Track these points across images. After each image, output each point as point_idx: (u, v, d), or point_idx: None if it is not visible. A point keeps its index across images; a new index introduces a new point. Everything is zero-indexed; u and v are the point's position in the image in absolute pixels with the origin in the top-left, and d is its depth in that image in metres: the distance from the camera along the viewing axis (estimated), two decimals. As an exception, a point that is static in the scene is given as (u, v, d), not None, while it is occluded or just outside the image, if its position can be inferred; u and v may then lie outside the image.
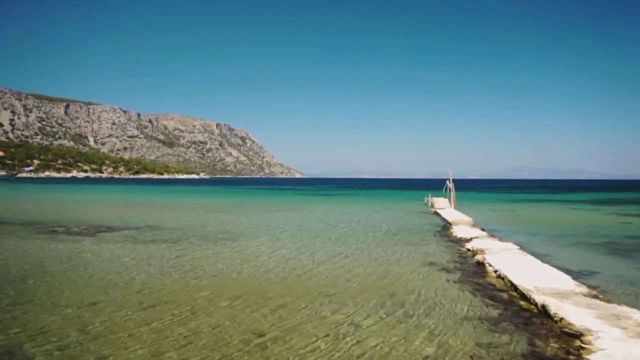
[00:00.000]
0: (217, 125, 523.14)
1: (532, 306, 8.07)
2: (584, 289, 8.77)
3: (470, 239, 15.99)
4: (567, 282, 9.29)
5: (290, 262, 12.27)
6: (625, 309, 7.52)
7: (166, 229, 19.10)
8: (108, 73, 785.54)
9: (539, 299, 8.01)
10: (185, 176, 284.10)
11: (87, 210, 29.55)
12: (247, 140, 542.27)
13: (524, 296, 8.54)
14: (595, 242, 16.89)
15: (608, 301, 8.04)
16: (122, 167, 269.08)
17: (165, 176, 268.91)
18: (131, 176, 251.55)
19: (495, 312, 7.84)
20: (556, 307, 7.48)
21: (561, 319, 7.06)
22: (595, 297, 8.29)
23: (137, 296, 8.67)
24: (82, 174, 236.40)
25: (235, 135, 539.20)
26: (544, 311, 7.64)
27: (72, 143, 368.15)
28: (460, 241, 16.00)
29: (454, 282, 10.05)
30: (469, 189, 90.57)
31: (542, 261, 11.61)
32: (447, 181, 36.75)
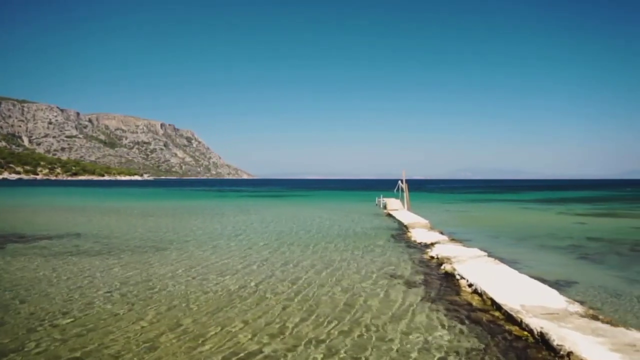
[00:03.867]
0: (162, 125, 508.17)
1: (526, 333, 6.57)
2: (578, 307, 7.39)
3: (432, 245, 14.59)
4: (555, 298, 7.90)
5: (227, 278, 10.36)
6: (637, 335, 6.14)
7: (91, 238, 16.70)
8: (44, 70, 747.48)
9: (534, 323, 6.52)
10: (127, 177, 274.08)
11: (2, 217, 26.32)
12: (193, 141, 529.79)
13: (511, 319, 7.04)
14: (560, 246, 15.91)
15: (612, 324, 6.66)
16: (59, 168, 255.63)
17: (107, 178, 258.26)
18: (69, 178, 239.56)
19: (480, 343, 6.28)
20: (558, 336, 5.99)
21: (569, 354, 5.58)
22: (595, 318, 6.90)
23: (26, 335, 6.54)
24: (14, 176, 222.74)
25: (181, 135, 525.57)
26: (542, 340, 6.14)
27: (4, 143, 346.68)
28: (421, 247, 14.57)
29: (423, 300, 8.46)
30: (418, 189, 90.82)
31: (518, 271, 10.28)
32: (400, 181, 35.68)
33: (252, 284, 9.69)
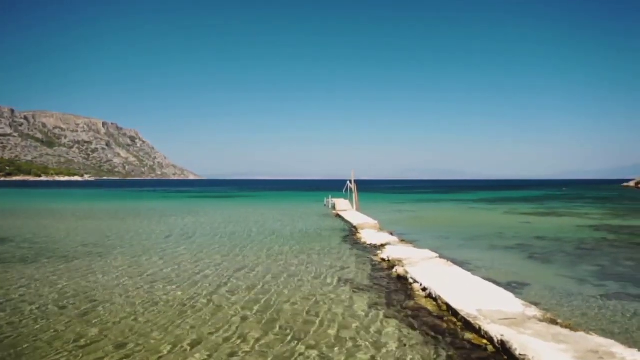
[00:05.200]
0: (104, 124, 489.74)
1: (485, 341, 6.17)
2: (535, 311, 7.08)
3: (382, 246, 14.20)
4: (511, 302, 7.59)
5: (177, 286, 9.51)
6: (599, 341, 5.85)
7: (23, 243, 15.35)
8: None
9: (493, 331, 6.12)
10: (67, 178, 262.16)
11: None
12: (137, 141, 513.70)
13: (469, 325, 6.63)
14: (509, 245, 15.94)
15: (571, 328, 6.37)
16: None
17: (44, 178, 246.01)
18: (2, 179, 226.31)
19: (438, 355, 5.82)
20: (520, 345, 5.60)
21: (533, 364, 5.20)
22: (554, 322, 6.60)
23: None
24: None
25: (124, 135, 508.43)
26: (504, 349, 5.74)
27: None
28: (371, 249, 14.15)
29: (376, 307, 7.96)
30: (366, 189, 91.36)
31: (471, 272, 9.98)
32: (348, 182, 35.39)
33: (206, 292, 8.90)
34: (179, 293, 8.86)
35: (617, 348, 5.59)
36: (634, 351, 5.50)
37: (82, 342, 6.18)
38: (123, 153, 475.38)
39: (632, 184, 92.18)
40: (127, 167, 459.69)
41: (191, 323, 7.03)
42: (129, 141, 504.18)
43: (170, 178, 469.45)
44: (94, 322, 7.05)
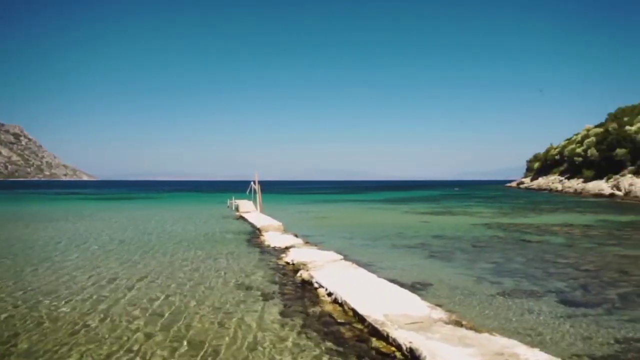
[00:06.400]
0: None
1: (393, 348, 5.92)
2: (441, 313, 7.00)
3: (287, 249, 13.78)
4: (417, 304, 7.47)
5: (68, 301, 8.34)
6: (502, 342, 5.83)
7: None
8: None
9: (401, 337, 5.89)
10: None
11: None
12: (21, 138, 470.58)
13: (377, 332, 6.36)
14: (410, 245, 16.22)
15: (476, 329, 6.33)
16: None
17: None
18: None
19: (347, 365, 5.47)
20: (429, 351, 5.40)
21: (442, 372, 5.00)
22: (459, 324, 6.53)
23: None
24: None
25: (7, 131, 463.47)
26: (412, 357, 5.51)
27: None
28: (275, 252, 13.67)
29: (279, 314, 7.50)
30: (270, 190, 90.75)
31: (377, 275, 9.84)
32: (252, 183, 34.66)
33: (102, 307, 7.88)
34: (69, 309, 7.77)
35: (520, 348, 5.59)
36: (536, 351, 5.52)
37: None
38: (5, 151, 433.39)
39: (514, 184, 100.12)
40: (9, 166, 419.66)
41: (84, 344, 6.11)
42: (12, 138, 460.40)
43: (61, 179, 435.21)
44: None
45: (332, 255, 12.15)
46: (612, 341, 6.61)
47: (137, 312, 7.62)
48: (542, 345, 6.25)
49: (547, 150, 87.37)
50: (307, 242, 15.20)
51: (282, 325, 6.95)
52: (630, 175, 49.51)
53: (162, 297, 8.57)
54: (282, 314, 7.55)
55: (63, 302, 8.20)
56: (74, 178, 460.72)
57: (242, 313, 7.59)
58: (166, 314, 7.51)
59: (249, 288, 9.34)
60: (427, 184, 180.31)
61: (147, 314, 7.51)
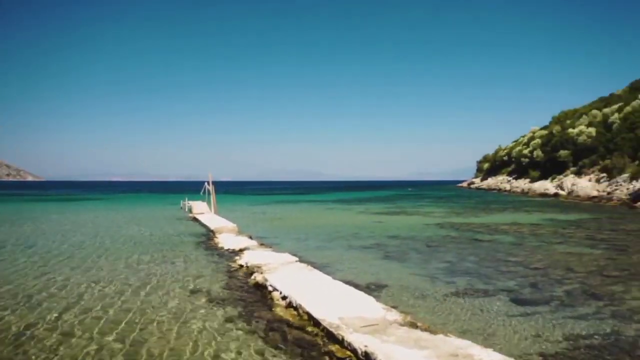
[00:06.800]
0: None
1: (349, 353, 5.82)
2: (396, 315, 6.96)
3: (241, 251, 13.50)
4: (372, 306, 7.41)
5: (13, 309, 7.78)
6: (457, 342, 5.83)
7: None
8: None
9: (357, 341, 5.79)
10: None
11: None
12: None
13: (332, 336, 6.24)
14: (365, 245, 16.24)
15: (431, 331, 6.32)
16: None
17: None
18: None
19: (301, 372, 5.33)
20: (384, 355, 5.33)
21: (398, 376, 4.93)
22: (414, 326, 6.51)
23: None
24: None
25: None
26: (367, 362, 5.44)
27: None
28: (229, 254, 13.37)
29: (231, 320, 7.28)
30: (226, 191, 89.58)
31: (332, 277, 9.74)
32: (206, 183, 33.99)
33: (51, 317, 7.38)
34: (16, 319, 7.25)
35: (474, 349, 5.60)
36: (490, 351, 5.55)
37: None
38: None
39: (465, 184, 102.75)
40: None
41: (31, 357, 5.69)
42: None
43: (3, 179, 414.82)
44: None
45: (287, 257, 11.98)
46: (560, 338, 6.75)
47: (89, 321, 7.21)
48: (495, 345, 6.31)
49: (496, 152, 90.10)
50: (262, 244, 14.96)
51: (234, 331, 6.74)
52: (572, 176, 51.66)
53: (118, 304, 8.18)
54: (234, 319, 7.33)
55: (8, 312, 7.66)
56: (18, 178, 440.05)
57: (192, 319, 7.31)
58: (123, 322, 7.14)
59: (200, 293, 9.05)
60: (381, 184, 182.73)
61: (100, 323, 7.11)
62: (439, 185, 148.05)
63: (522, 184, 65.45)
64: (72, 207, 41.61)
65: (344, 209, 38.65)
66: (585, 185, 45.88)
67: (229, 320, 7.29)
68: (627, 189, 37.25)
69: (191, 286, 9.62)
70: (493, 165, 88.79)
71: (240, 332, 6.70)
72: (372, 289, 9.63)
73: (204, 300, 8.49)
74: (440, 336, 6.09)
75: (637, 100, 48.18)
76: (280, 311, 7.73)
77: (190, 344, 6.24)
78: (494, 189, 74.71)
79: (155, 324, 7.09)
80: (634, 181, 37.22)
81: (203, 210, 29.52)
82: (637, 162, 39.12)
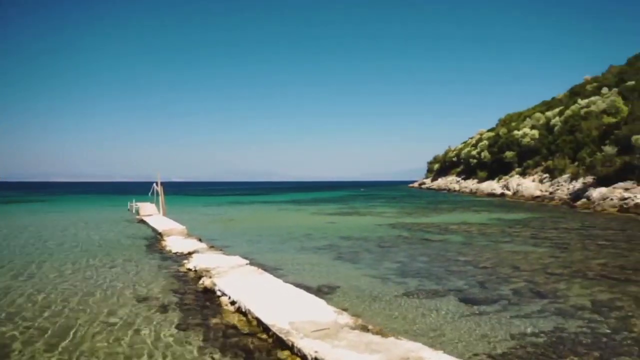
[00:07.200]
0: None
1: (299, 359, 5.67)
2: (347, 318, 6.87)
3: (189, 254, 13.12)
4: (324, 310, 7.30)
5: None
6: (408, 345, 5.80)
7: None
8: None
9: (307, 347, 5.66)
10: None
11: None
12: None
13: (282, 342, 6.08)
14: (317, 247, 16.14)
15: (382, 334, 6.26)
16: None
17: None
18: None
19: (249, 381, 5.13)
20: (335, 360, 5.22)
21: (348, 382, 4.83)
22: (365, 329, 6.44)
23: None
24: None
25: None
26: (318, 368, 5.31)
27: None
28: (177, 258, 12.97)
29: (177, 327, 7.00)
30: (177, 192, 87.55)
31: (283, 280, 9.57)
32: (154, 184, 33.02)
33: None
34: None
35: (425, 352, 5.58)
36: (440, 353, 5.54)
37: None
38: None
39: (416, 184, 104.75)
40: None
41: None
42: None
43: None
44: None
45: (237, 260, 11.71)
46: (508, 337, 6.85)
47: (30, 333, 6.75)
48: (445, 346, 6.32)
49: (446, 153, 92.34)
50: (211, 247, 14.59)
51: (180, 340, 6.47)
52: (517, 176, 53.53)
53: (65, 314, 7.70)
54: (180, 326, 7.04)
55: None
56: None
57: (137, 327, 6.99)
58: (70, 334, 6.71)
59: (146, 299, 8.68)
60: (335, 185, 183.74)
61: (44, 335, 6.67)
62: (392, 185, 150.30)
63: (471, 184, 67.29)
64: (10, 209, 39.49)
65: (297, 209, 38.49)
66: (529, 185, 47.62)
67: (173, 327, 7.00)
68: (568, 189, 38.91)
69: (134, 292, 9.23)
70: (443, 166, 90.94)
71: (184, 340, 6.43)
72: (324, 291, 9.53)
73: (148, 307, 8.13)
74: (392, 339, 6.04)
75: (576, 105, 50.46)
76: (229, 317, 7.50)
77: (133, 354, 5.93)
78: (444, 189, 76.47)
79: (91, 333, 6.71)
80: (574, 181, 38.92)
81: (151, 212, 28.68)
82: (576, 164, 40.89)
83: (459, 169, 79.92)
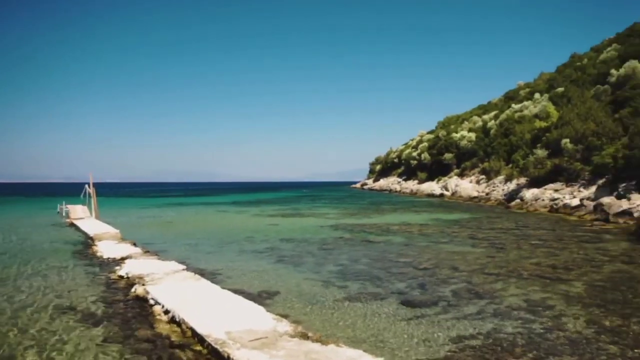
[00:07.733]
0: None
1: (235, 372, 5.37)
2: (287, 326, 6.63)
3: (122, 260, 12.45)
4: (262, 317, 7.02)
5: None
6: (349, 353, 5.63)
7: None
8: None
9: (243, 358, 5.37)
10: None
11: None
12: None
13: (217, 354, 5.75)
14: (258, 250, 15.80)
15: (322, 342, 6.06)
16: None
17: None
18: None
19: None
20: (272, 373, 4.97)
21: (286, 397, 4.59)
22: (305, 337, 6.22)
23: None
24: None
25: None
26: (254, 382, 5.03)
27: None
28: (109, 264, 12.26)
29: (105, 339, 6.51)
30: (112, 193, 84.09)
31: (221, 286, 9.20)
32: (87, 186, 31.40)
33: None
34: None
35: (366, 359, 5.44)
36: (380, 360, 5.42)
37: None
38: None
39: (358, 185, 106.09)
40: None
41: None
42: None
43: None
44: None
45: (173, 265, 11.20)
46: (448, 341, 6.83)
47: None
48: (386, 352, 6.22)
49: (388, 154, 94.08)
50: (146, 252, 13.93)
51: (108, 353, 6.00)
52: (456, 177, 55.24)
53: None
54: (109, 339, 6.56)
55: None
56: None
57: (62, 341, 6.44)
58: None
59: (73, 310, 8.08)
60: (278, 186, 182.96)
61: None
62: (335, 186, 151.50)
63: (411, 185, 68.78)
64: None
65: (239, 211, 37.82)
66: (467, 186, 49.21)
67: (100, 339, 6.51)
68: (503, 189, 40.48)
69: (63, 302, 8.60)
70: (385, 167, 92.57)
71: (112, 354, 5.97)
72: (263, 297, 9.24)
73: (76, 318, 7.57)
74: (332, 347, 5.86)
75: (510, 109, 52.69)
76: (161, 327, 7.07)
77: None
78: (385, 190, 77.75)
79: (9, 348, 6.11)
80: (508, 182, 40.55)
81: (82, 215, 27.25)
82: (510, 165, 42.64)
83: (400, 170, 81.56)
